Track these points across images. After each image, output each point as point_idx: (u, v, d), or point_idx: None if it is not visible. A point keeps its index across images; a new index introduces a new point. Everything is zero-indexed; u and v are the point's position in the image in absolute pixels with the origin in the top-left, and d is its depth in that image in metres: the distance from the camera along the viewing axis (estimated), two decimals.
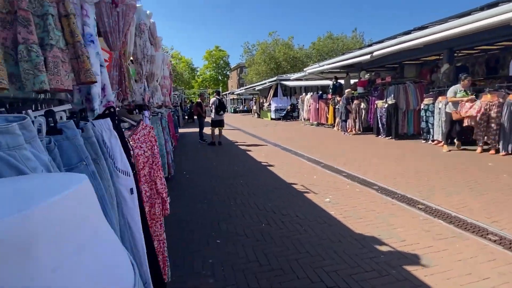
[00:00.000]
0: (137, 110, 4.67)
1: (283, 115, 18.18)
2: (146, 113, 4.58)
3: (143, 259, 1.22)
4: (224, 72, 51.56)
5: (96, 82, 1.12)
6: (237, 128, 14.85)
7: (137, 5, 4.57)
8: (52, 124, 0.82)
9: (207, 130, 10.66)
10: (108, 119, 1.16)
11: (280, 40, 34.67)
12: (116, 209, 1.13)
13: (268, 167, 5.84)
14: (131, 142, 1.62)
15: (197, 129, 10.10)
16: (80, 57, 1.04)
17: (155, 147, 1.79)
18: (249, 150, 7.94)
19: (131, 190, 1.20)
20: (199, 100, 9.87)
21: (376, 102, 9.06)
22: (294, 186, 4.52)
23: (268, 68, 33.86)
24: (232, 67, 51.21)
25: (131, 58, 5.07)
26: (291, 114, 18.08)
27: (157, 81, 6.50)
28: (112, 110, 1.27)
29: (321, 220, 3.18)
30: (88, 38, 1.26)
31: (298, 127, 14.13)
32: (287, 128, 14.01)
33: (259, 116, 22.48)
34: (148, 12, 4.92)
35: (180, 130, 13.43)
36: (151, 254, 1.33)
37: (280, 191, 4.29)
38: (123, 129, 1.68)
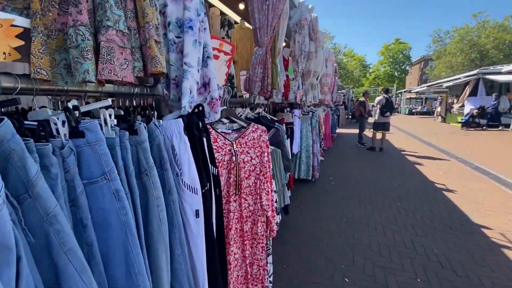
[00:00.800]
0: (288, 108, 4.64)
1: (464, 120, 13.30)
2: (297, 111, 4.43)
3: None
4: (403, 67, 44.97)
5: (165, 73, 0.91)
6: (409, 133, 12.36)
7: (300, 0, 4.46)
8: (74, 125, 0.64)
9: (369, 133, 9.52)
10: (180, 120, 0.93)
11: (490, 22, 25.80)
12: (175, 233, 0.88)
13: (445, 192, 4.26)
14: (235, 147, 1.37)
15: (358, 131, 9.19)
16: (147, 41, 0.84)
17: (266, 154, 1.47)
18: (420, 164, 6.24)
19: (197, 212, 0.92)
20: (362, 98, 8.86)
21: None
22: (484, 230, 2.97)
23: (466, 59, 26.16)
24: (413, 61, 43.81)
25: (289, 55, 5.09)
26: (476, 120, 12.91)
27: (316, 78, 6.29)
28: (200, 109, 1.04)
29: None
30: (186, 24, 1.07)
31: (508, 138, 9.86)
32: (486, 138, 10.12)
33: (444, 119, 17.82)
34: (310, 6, 4.72)
35: (340, 130, 12.82)
36: None
37: (458, 233, 2.93)
38: (231, 130, 1.47)
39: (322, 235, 2.93)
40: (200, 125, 1.04)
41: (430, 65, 36.83)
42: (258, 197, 1.46)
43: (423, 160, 6.66)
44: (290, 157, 3.11)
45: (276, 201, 1.66)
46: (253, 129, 1.47)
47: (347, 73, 37.67)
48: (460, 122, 13.76)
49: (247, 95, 2.98)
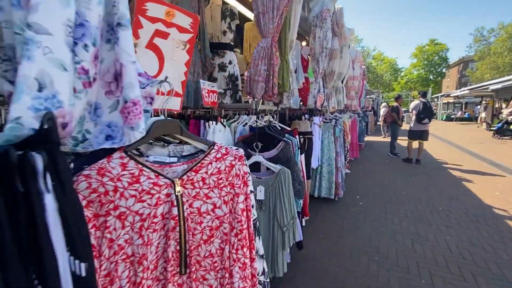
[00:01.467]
0: (306, 116, 3.97)
1: (497, 127, 11.57)
2: (317, 119, 3.74)
3: None
4: (439, 70, 41.95)
5: None
6: (449, 141, 11.01)
7: None
8: None
9: (403, 142, 8.53)
10: None
11: None
12: None
13: (509, 221, 3.33)
14: (179, 188, 0.77)
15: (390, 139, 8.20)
16: None
17: (241, 198, 0.85)
18: (469, 181, 5.22)
19: None
20: (395, 103, 7.89)
21: None
22: None
23: None
24: (451, 63, 40.69)
25: (308, 52, 4.43)
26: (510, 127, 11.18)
27: (342, 81, 5.55)
28: (46, 127, 0.47)
29: None
30: None
31: None
32: None
33: (490, 126, 15.92)
34: None
35: (369, 138, 11.76)
36: None
37: None
38: (176, 158, 0.87)
39: (347, 279, 2.22)
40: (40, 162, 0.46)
41: (471, 66, 33.93)
42: (227, 275, 0.84)
43: (472, 175, 5.60)
44: (304, 178, 2.45)
45: (264, 273, 1.03)
46: (219, 155, 0.85)
47: (377, 77, 35.85)
48: (492, 130, 12.09)
49: (251, 99, 2.39)
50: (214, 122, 1.64)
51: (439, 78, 42.15)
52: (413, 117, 6.67)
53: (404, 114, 8.30)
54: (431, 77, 41.53)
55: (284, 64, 2.39)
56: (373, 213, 3.64)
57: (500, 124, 11.86)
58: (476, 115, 23.10)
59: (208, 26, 2.60)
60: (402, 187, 4.83)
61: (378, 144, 10.22)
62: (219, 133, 1.69)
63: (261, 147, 1.82)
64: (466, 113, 25.36)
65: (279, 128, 2.42)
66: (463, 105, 28.28)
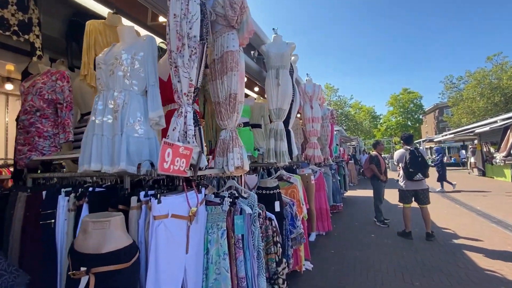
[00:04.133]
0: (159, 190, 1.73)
1: None
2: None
3: None
4: (416, 116, 42.67)
5: None
6: (447, 195, 9.04)
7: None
8: None
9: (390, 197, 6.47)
10: None
11: (509, 64, 23.89)
12: None
13: None
14: None
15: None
16: None
17: None
18: (499, 274, 3.01)
19: None
20: (373, 152, 5.99)
21: None
22: None
23: (489, 103, 23.59)
24: (426, 109, 41.65)
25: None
26: None
27: (287, 122, 3.65)
28: None
29: None
30: None
31: None
32: None
33: (483, 173, 14.33)
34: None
35: (350, 193, 9.65)
36: None
37: None
38: None
39: None
40: None
41: (446, 112, 34.41)
42: None
43: (501, 261, 3.41)
44: None
45: None
46: None
47: (356, 125, 35.54)
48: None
49: None
50: None
51: (418, 124, 42.61)
52: (400, 173, 4.71)
53: (387, 162, 6.27)
54: (409, 123, 41.92)
55: None
56: None
57: None
58: (463, 159, 21.92)
59: None
60: None
61: (362, 202, 8.07)
62: None
63: None
64: (453, 159, 24.27)
65: None
66: (447, 150, 27.42)
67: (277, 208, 2.64)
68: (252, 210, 1.82)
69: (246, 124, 3.17)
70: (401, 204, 4.76)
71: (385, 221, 5.48)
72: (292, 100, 3.43)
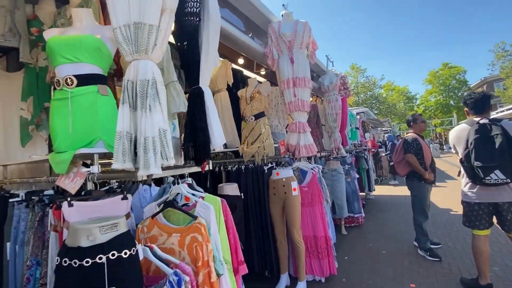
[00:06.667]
0: None
1: None
2: None
3: None
4: (459, 94, 37.46)
5: None
6: None
7: None
8: None
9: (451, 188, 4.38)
10: None
11: None
12: None
13: None
14: None
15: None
16: None
17: None
18: None
19: None
20: (409, 135, 3.78)
21: None
22: None
23: None
24: (471, 85, 36.31)
25: None
26: None
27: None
28: None
29: None
30: None
31: None
32: None
33: None
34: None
35: (378, 190, 7.46)
36: None
37: None
38: None
39: None
40: None
41: (497, 86, 29.54)
42: None
43: None
44: None
45: None
46: None
47: (389, 108, 31.93)
48: None
49: None
50: None
51: (461, 103, 37.39)
52: (462, 170, 2.59)
53: (434, 150, 3.74)
54: (451, 102, 36.91)
55: None
56: None
57: None
58: None
59: None
60: None
61: (395, 205, 5.89)
62: None
63: None
64: None
65: None
66: None
67: None
68: None
69: None
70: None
71: (435, 247, 3.40)
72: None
